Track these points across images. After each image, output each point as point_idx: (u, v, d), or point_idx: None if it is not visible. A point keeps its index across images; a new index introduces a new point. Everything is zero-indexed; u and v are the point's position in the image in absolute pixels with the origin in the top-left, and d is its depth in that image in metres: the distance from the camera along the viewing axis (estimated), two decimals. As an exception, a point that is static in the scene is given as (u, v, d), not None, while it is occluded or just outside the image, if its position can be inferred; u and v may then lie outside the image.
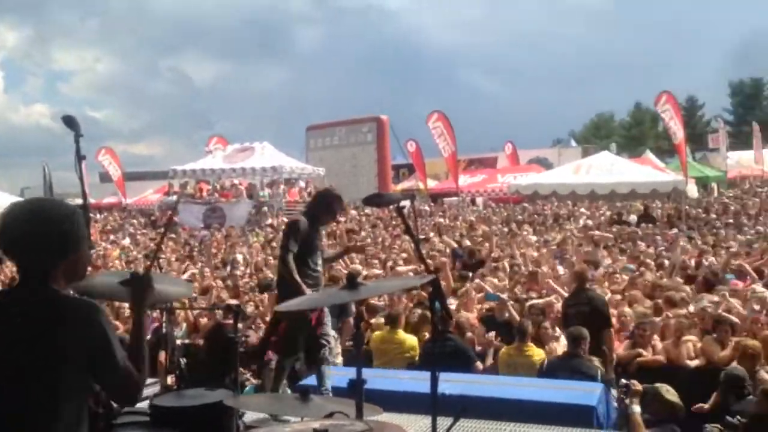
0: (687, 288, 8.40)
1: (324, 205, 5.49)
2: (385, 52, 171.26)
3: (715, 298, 7.69)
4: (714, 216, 17.14)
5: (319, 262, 5.41)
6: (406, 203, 5.46)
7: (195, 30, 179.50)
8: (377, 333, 7.46)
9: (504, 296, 8.14)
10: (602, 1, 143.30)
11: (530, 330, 6.88)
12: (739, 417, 5.02)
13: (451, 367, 6.41)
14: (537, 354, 6.66)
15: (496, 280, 9.42)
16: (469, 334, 7.46)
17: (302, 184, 26.10)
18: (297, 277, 5.10)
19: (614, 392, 5.46)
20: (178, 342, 8.19)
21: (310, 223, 5.35)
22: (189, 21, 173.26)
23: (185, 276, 11.33)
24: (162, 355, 6.55)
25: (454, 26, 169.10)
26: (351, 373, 3.16)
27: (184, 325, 8.92)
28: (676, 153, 22.54)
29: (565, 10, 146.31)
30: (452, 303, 8.07)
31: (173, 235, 19.43)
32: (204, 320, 8.79)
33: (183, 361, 4.72)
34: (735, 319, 6.96)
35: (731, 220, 15.77)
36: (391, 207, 6.28)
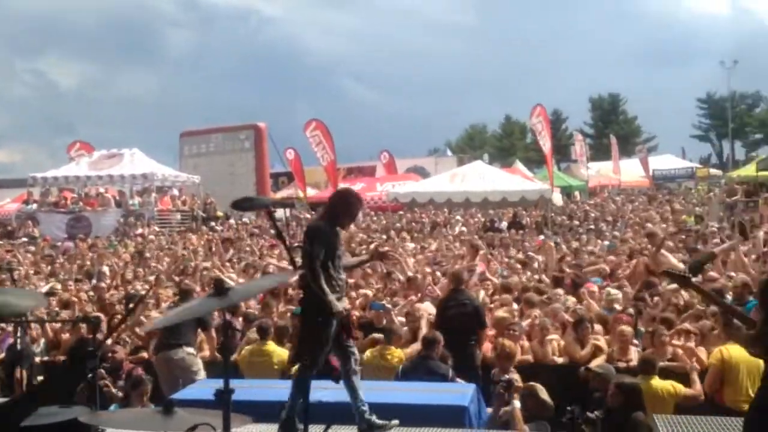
0: (559, 290, 8.74)
1: (343, 206, 4.98)
2: (262, 58, 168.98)
3: (573, 299, 8.19)
4: (577, 222, 18.43)
5: (341, 268, 4.90)
6: (277, 208, 5.35)
7: (56, 31, 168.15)
8: (246, 348, 7.18)
9: (388, 305, 8.18)
10: (472, 19, 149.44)
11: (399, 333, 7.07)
12: (596, 412, 5.34)
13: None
14: (398, 356, 6.79)
15: (369, 292, 9.27)
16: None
17: (176, 191, 25.20)
18: (325, 286, 4.54)
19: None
20: (37, 359, 7.67)
21: (331, 227, 4.87)
22: (50, 21, 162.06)
23: (45, 289, 10.61)
24: (18, 373, 6.10)
25: (332, 35, 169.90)
26: (218, 384, 3.05)
27: (43, 341, 8.35)
28: (544, 163, 23.84)
29: (438, 26, 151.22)
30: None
31: (32, 247, 18.15)
32: (66, 335, 8.28)
33: (39, 378, 4.42)
34: (610, 319, 7.39)
35: (592, 226, 16.98)
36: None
